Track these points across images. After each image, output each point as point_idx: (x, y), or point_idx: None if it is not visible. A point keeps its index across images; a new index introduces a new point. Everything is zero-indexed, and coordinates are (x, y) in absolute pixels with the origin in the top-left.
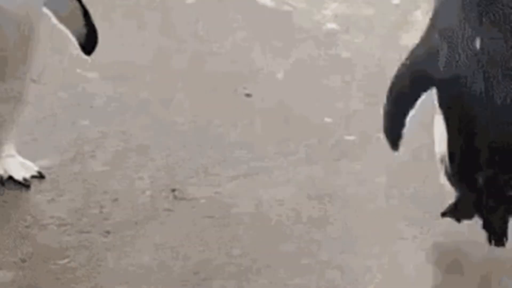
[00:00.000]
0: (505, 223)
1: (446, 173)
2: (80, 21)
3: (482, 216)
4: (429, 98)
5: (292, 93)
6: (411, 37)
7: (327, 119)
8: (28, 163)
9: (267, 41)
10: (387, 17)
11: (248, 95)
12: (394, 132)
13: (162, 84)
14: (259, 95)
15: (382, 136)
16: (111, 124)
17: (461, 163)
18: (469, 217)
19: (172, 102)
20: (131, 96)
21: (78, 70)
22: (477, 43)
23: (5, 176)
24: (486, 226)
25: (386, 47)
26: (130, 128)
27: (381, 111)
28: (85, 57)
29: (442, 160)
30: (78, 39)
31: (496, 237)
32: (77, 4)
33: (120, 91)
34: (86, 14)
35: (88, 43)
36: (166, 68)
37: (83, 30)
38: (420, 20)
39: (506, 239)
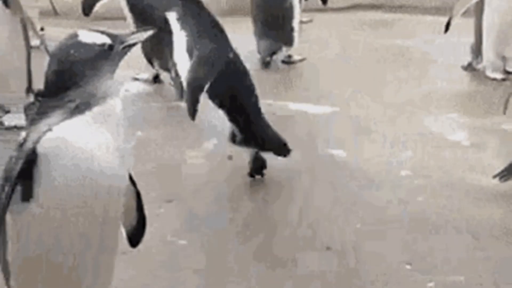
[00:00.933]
0: None
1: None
2: (133, 212)
3: None
4: None
5: None
6: None
7: None
8: None
9: None
10: None
11: None
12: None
13: None
14: None
15: None
16: None
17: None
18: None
19: None
20: None
21: None
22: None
23: None
24: None
25: None
26: None
27: None
28: None
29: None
30: (127, 230)
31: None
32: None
33: None
34: (139, 204)
35: (137, 235)
36: None
37: (133, 222)
38: None
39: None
